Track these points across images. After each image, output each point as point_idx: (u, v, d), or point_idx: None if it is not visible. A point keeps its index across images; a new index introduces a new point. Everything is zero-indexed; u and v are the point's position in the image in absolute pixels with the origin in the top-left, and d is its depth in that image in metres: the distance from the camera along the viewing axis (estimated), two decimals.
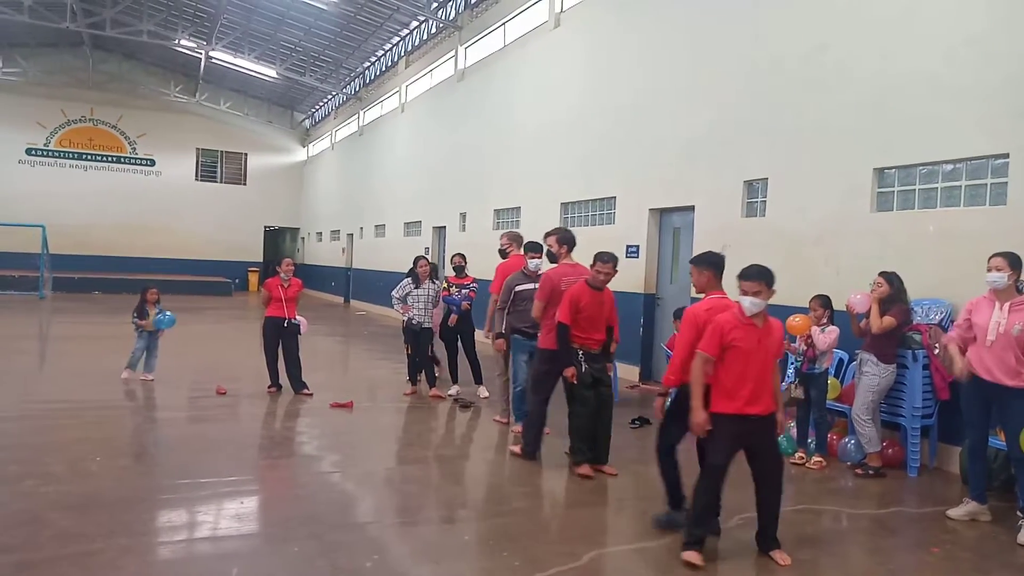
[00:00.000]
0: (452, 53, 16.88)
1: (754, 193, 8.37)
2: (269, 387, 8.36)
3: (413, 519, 4.85)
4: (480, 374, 8.69)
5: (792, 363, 6.50)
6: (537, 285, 6.20)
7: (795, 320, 6.08)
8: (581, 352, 5.61)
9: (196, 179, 29.77)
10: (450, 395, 8.48)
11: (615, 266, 5.61)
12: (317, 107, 28.74)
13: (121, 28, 21.90)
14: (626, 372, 9.70)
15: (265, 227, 31.14)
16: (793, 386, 6.26)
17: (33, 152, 27.20)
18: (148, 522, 4.47)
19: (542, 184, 12.73)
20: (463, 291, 8.60)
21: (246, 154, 30.49)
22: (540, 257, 6.73)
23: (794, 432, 6.41)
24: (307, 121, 30.54)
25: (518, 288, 6.66)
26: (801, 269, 7.34)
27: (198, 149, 29.73)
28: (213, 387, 8.29)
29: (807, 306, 6.30)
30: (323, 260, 26.94)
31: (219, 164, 30.25)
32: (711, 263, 4.40)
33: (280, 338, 8.30)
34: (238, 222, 29.80)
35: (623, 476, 5.73)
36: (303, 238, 30.93)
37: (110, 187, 27.95)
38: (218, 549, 4.13)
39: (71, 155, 27.72)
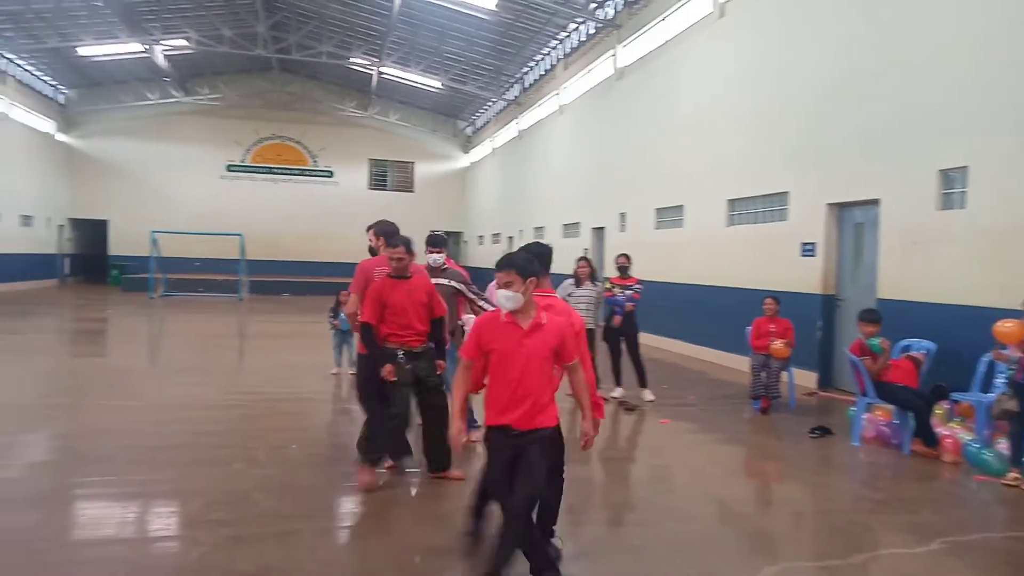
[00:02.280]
0: (610, 53, 16.78)
1: (950, 183, 7.57)
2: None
3: (578, 519, 4.85)
4: (645, 377, 8.55)
5: (1003, 372, 5.81)
6: (444, 280, 5.85)
7: (1006, 325, 5.44)
8: (401, 352, 4.99)
9: (368, 188, 31.89)
10: (614, 397, 8.41)
11: (409, 248, 5.02)
12: (478, 114, 29.71)
13: (304, 51, 23.97)
14: (803, 378, 9.13)
15: (430, 231, 32.64)
16: (1005, 397, 5.58)
17: (233, 168, 30.39)
18: (338, 507, 4.84)
19: (706, 181, 12.31)
20: (627, 292, 8.51)
21: (413, 163, 32.21)
22: (441, 252, 6.14)
23: (1004, 448, 5.72)
24: (468, 128, 31.67)
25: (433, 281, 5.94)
26: (1008, 267, 6.54)
27: (370, 159, 31.83)
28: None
29: (1020, 309, 5.60)
30: (485, 262, 27.79)
31: (388, 173, 32.23)
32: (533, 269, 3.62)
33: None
34: (407, 227, 30.84)
35: (803, 488, 5.41)
36: (465, 241, 32.10)
37: (295, 197, 30.61)
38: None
39: (263, 169, 30.70)
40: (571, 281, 8.60)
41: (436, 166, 32.49)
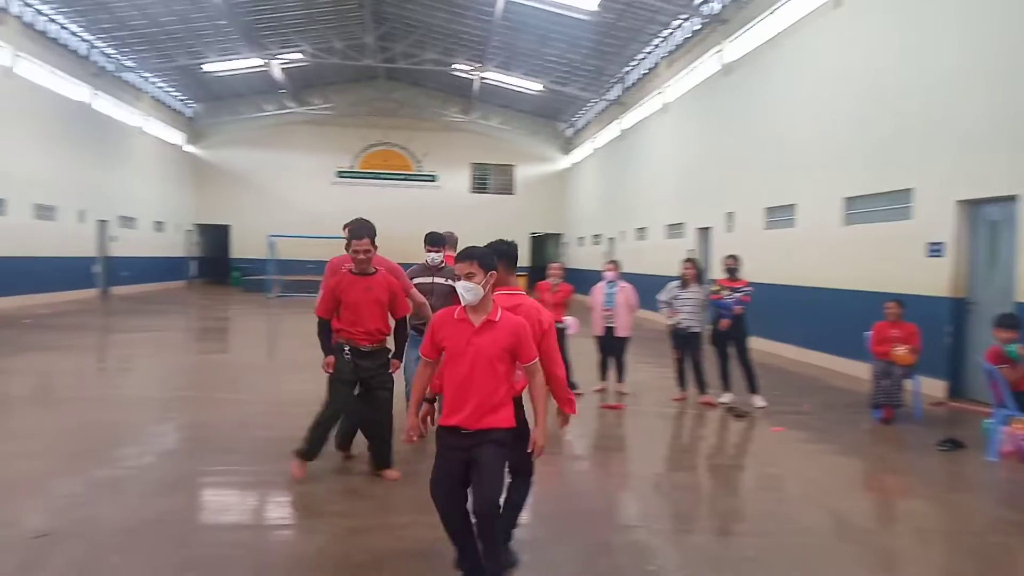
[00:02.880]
0: (716, 48, 16.32)
1: None
2: None
3: (686, 527, 4.76)
4: (756, 383, 8.26)
5: None
6: (442, 279, 5.77)
7: None
8: (348, 348, 4.92)
9: (470, 191, 32.47)
10: (722, 403, 8.17)
11: (373, 241, 4.91)
12: (578, 115, 29.64)
13: (409, 59, 24.69)
14: (931, 387, 8.55)
15: (531, 234, 32.87)
16: None
17: (343, 174, 31.69)
18: None
19: (820, 179, 11.76)
20: (735, 294, 8.24)
21: (514, 165, 32.53)
22: (439, 251, 6.18)
23: None
24: (569, 130, 31.64)
25: (416, 280, 6.10)
26: None
27: (472, 163, 32.40)
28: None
29: None
30: (585, 264, 27.68)
31: (490, 176, 32.72)
32: (498, 254, 3.53)
33: None
34: (507, 230, 31.48)
35: (931, 505, 5.06)
36: (566, 243, 32.08)
37: (400, 201, 31.55)
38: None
39: (370, 175, 31.85)
40: (676, 283, 8.43)
41: (536, 168, 32.67)
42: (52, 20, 19.74)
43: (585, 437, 7.13)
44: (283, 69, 26.78)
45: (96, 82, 22.26)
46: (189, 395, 8.40)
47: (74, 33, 20.88)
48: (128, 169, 24.85)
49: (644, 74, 21.71)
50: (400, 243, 31.00)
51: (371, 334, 4.95)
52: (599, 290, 8.78)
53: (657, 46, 20.28)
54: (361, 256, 4.89)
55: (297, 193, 31.02)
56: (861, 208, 10.85)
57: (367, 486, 5.00)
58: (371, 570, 3.71)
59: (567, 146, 32.24)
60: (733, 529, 4.77)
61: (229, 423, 6.91)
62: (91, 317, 16.81)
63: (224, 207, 31.39)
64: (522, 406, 3.63)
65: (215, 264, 32.31)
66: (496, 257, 3.44)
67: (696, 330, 8.32)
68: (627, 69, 22.81)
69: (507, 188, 32.76)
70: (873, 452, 6.78)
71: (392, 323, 5.12)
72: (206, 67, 24.93)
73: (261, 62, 25.07)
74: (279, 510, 4.74)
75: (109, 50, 22.60)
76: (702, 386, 8.33)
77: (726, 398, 8.26)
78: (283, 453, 5.77)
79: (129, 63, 23.57)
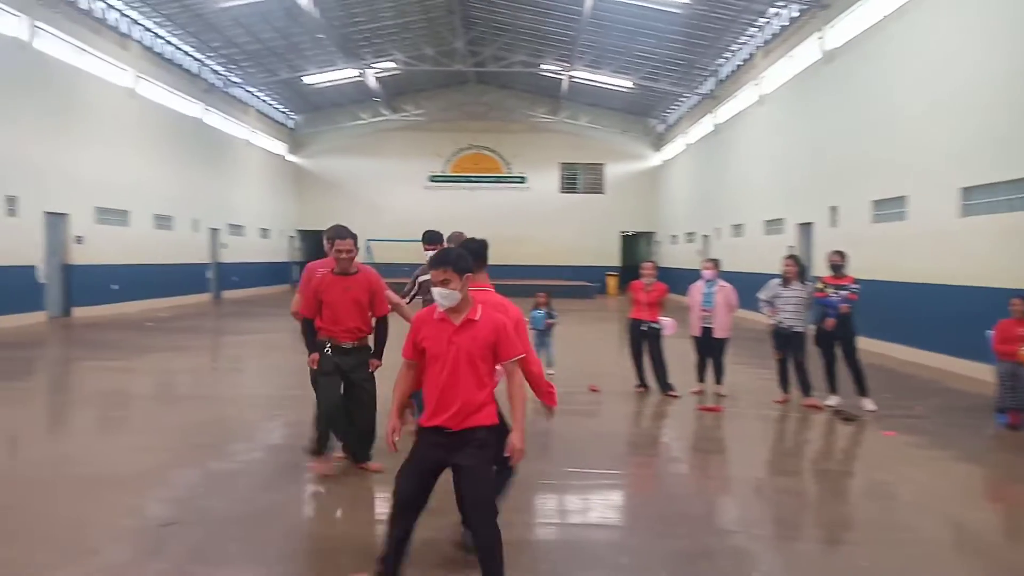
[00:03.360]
0: (817, 35, 15.64)
1: None
2: (636, 386, 8.65)
3: (790, 534, 4.58)
4: (864, 385, 7.86)
5: None
6: None
7: None
8: (329, 344, 5.08)
9: (559, 191, 32.46)
10: (828, 406, 7.82)
11: (356, 242, 5.04)
12: (669, 111, 29.10)
13: (499, 62, 24.96)
14: None
15: (622, 232, 32.52)
16: None
17: (435, 179, 32.37)
18: (546, 502, 4.98)
19: (933, 169, 11.06)
20: (841, 292, 7.86)
21: (603, 164, 32.28)
22: (436, 249, 5.76)
23: None
24: (660, 126, 31.11)
25: (422, 278, 6.20)
26: None
27: (561, 163, 32.38)
28: (584, 384, 8.86)
29: None
30: (678, 263, 27.14)
31: (579, 176, 32.59)
32: (466, 266, 3.31)
33: (643, 340, 8.54)
34: (597, 229, 31.71)
35: None
36: (658, 241, 31.56)
37: (491, 203, 31.92)
38: (607, 537, 4.41)
39: (462, 178, 32.38)
40: (777, 281, 8.13)
41: (626, 166, 32.30)
42: (168, 43, 21.13)
43: (682, 439, 7.00)
44: (377, 78, 27.63)
45: (207, 98, 23.68)
46: (296, 394, 8.76)
47: (187, 53, 22.28)
48: (236, 179, 26.30)
49: (739, 66, 21.08)
50: (493, 245, 31.43)
51: (351, 331, 5.14)
52: (697, 289, 8.59)
53: (752, 36, 19.64)
54: (344, 255, 5.05)
55: (391, 198, 31.91)
56: (981, 198, 10.13)
57: None
58: (473, 568, 3.74)
59: (658, 143, 31.70)
60: (842, 537, 4.56)
61: None
62: (205, 320, 17.87)
63: (323, 213, 32.54)
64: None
65: None
66: (472, 257, 3.44)
67: (799, 330, 7.99)
68: (720, 62, 22.21)
69: (597, 187, 32.55)
70: (997, 459, 6.32)
71: (373, 322, 5.28)
72: (306, 80, 26.05)
73: (357, 72, 25.97)
74: (382, 505, 4.88)
75: (218, 68, 23.99)
76: (806, 388, 8.00)
77: (833, 401, 7.89)
78: (385, 449, 5.95)
79: (236, 79, 24.94)
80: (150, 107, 20.33)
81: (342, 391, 5.20)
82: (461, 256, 3.26)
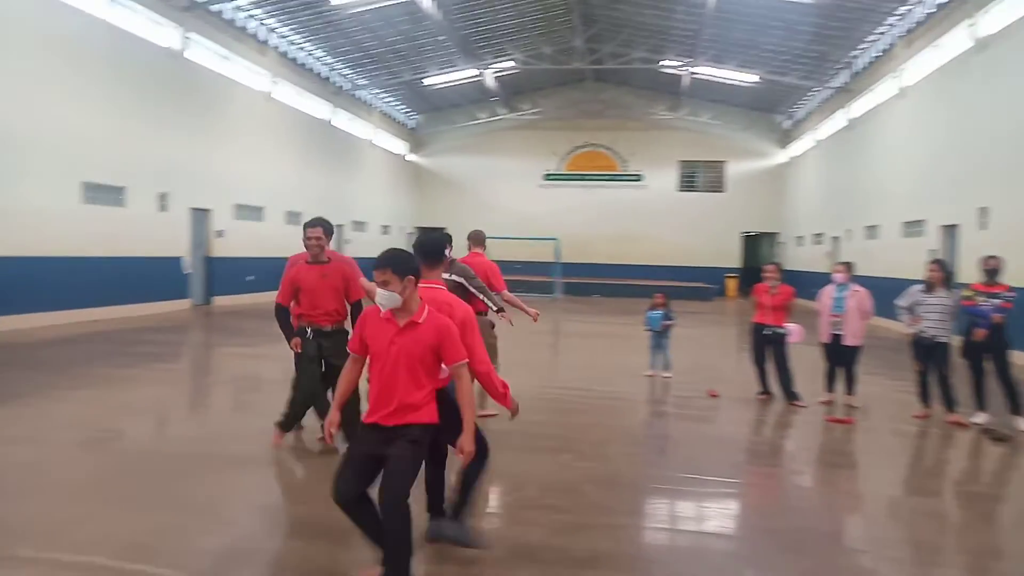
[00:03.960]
0: (967, 22, 14.39)
1: None
2: (759, 394, 8.28)
3: (930, 559, 4.20)
4: (1018, 401, 7.14)
5: None
6: (448, 275, 5.59)
7: None
8: (310, 329, 5.49)
9: (677, 190, 31.69)
10: (976, 424, 7.15)
11: (327, 231, 5.36)
12: (798, 106, 27.73)
13: (617, 59, 24.65)
14: None
15: (743, 233, 31.34)
16: None
17: (550, 177, 32.45)
18: (662, 507, 4.84)
19: None
20: (993, 300, 7.16)
21: (724, 162, 31.22)
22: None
23: None
24: (786, 122, 29.70)
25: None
26: None
27: (679, 161, 31.59)
28: (703, 388, 8.57)
29: None
30: (804, 265, 25.82)
31: (698, 174, 31.69)
32: (408, 267, 3.27)
33: (766, 345, 8.15)
34: (717, 229, 30.72)
35: None
36: (782, 243, 30.17)
37: (606, 202, 31.63)
38: (727, 547, 4.21)
39: (577, 177, 32.26)
40: (920, 287, 7.53)
41: (749, 164, 31.06)
42: (302, 48, 22.32)
43: (808, 450, 6.61)
44: (495, 78, 27.99)
45: (335, 100, 24.85)
46: None
47: (318, 58, 23.45)
48: (359, 178, 27.44)
49: (877, 56, 19.75)
50: (607, 244, 31.33)
51: (330, 314, 5.52)
52: (827, 293, 8.10)
53: (892, 25, 18.34)
54: (313, 242, 5.44)
55: (507, 196, 32.27)
56: None
57: (583, 484, 5.01)
58: (589, 568, 3.70)
59: (784, 139, 30.28)
60: (990, 567, 4.14)
61: None
62: None
63: (440, 210, 33.51)
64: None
65: None
66: (421, 254, 3.59)
67: (943, 340, 7.36)
68: (855, 53, 20.90)
69: (717, 185, 31.51)
70: None
71: (348, 308, 5.60)
72: (427, 81, 26.76)
73: (476, 72, 26.42)
74: (486, 499, 4.90)
75: (346, 71, 25.11)
76: (950, 403, 7.35)
77: (980, 418, 7.22)
78: (497, 444, 5.96)
79: (362, 81, 26.01)
80: (284, 110, 21.55)
81: (321, 374, 5.59)
82: (402, 259, 3.25)
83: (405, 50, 24.14)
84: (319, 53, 23.25)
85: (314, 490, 4.79)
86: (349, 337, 5.32)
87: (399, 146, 32.09)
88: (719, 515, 4.78)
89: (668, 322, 9.34)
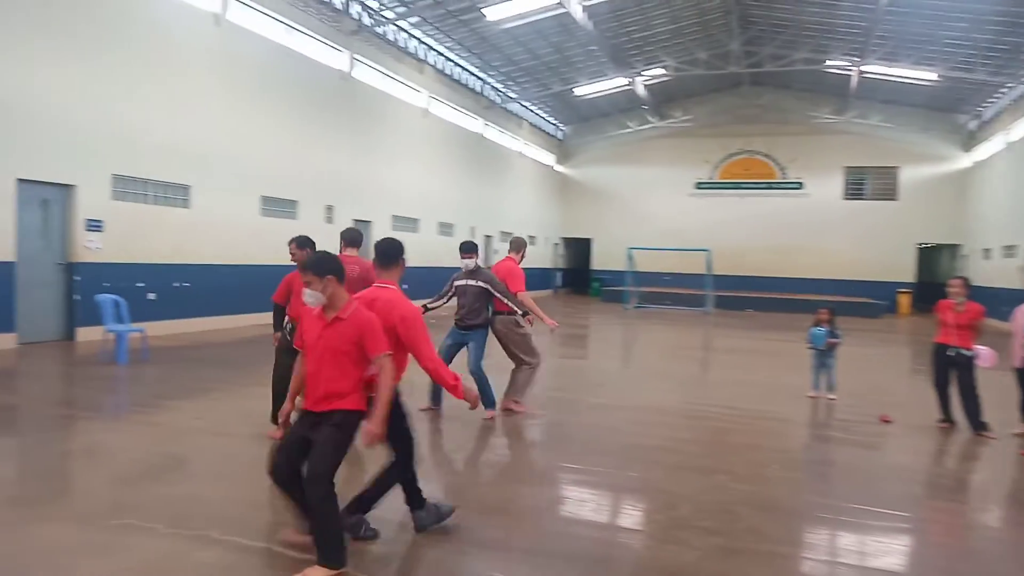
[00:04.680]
0: None
1: None
2: (939, 421, 7.47)
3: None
4: None
5: None
6: (473, 281, 7.00)
7: None
8: (291, 325, 5.90)
9: (842, 198, 29.60)
10: None
11: (299, 245, 5.90)
12: (985, 105, 25.01)
13: (777, 62, 23.47)
14: None
15: (918, 244, 28.72)
16: None
17: (701, 186, 31.45)
18: (825, 538, 4.46)
19: None
20: None
21: (897, 168, 28.78)
22: (471, 257, 7.14)
23: None
24: (972, 123, 26.89)
25: (458, 282, 7.18)
26: None
27: (845, 168, 29.51)
28: (873, 413, 7.87)
29: None
30: (992, 281, 23.17)
31: (867, 181, 29.42)
32: (327, 268, 3.64)
33: (950, 368, 7.33)
34: (888, 240, 28.34)
35: None
36: (965, 255, 27.30)
37: (761, 212, 30.16)
38: None
39: (730, 185, 31.04)
40: None
41: (926, 169, 28.41)
42: (456, 64, 23.19)
43: (998, 487, 5.84)
44: (646, 85, 27.60)
45: (487, 114, 25.57)
46: (555, 395, 9.00)
47: (472, 73, 24.26)
48: (508, 189, 28.01)
49: None
50: (762, 256, 29.89)
51: None
52: (1022, 313, 7.18)
53: None
54: (295, 256, 6.03)
55: (655, 206, 31.66)
56: None
57: (738, 507, 4.72)
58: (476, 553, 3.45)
59: (969, 142, 27.42)
60: None
61: (592, 425, 7.20)
62: None
63: (587, 221, 33.50)
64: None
65: (577, 275, 34.62)
66: (377, 258, 4.08)
67: None
68: None
69: (888, 193, 29.09)
70: None
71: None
72: (576, 91, 26.86)
73: (626, 81, 26.19)
74: (637, 515, 4.73)
75: (498, 85, 25.78)
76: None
77: None
78: (648, 460, 5.81)
79: (513, 95, 26.58)
80: (439, 125, 22.45)
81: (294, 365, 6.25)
82: (321, 261, 3.61)
83: (556, 62, 24.40)
84: (472, 69, 24.05)
85: (458, 496, 4.86)
86: None
87: (547, 157, 32.45)
88: (891, 551, 4.30)
89: (833, 340, 8.68)
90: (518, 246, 7.79)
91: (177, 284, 12.72)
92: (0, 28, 9.83)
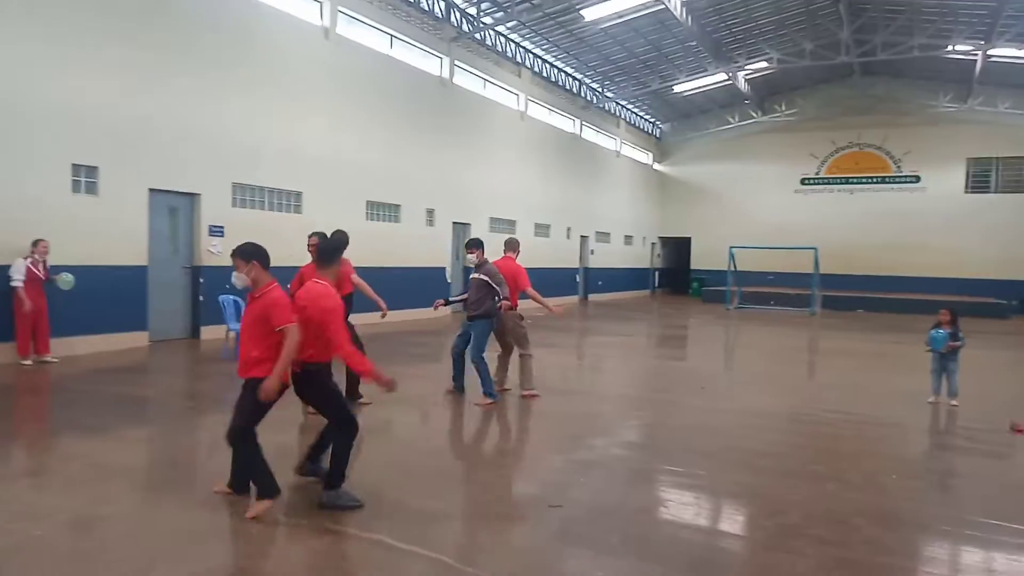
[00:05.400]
0: None
1: None
2: None
3: None
4: None
5: None
6: (478, 275, 7.63)
7: None
8: None
9: (965, 191, 27.62)
10: None
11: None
12: None
13: (891, 49, 22.18)
14: None
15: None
16: None
17: (807, 181, 30.15)
18: (950, 553, 4.20)
19: None
20: None
21: None
22: (473, 253, 7.78)
23: None
24: None
25: (471, 277, 7.80)
26: None
27: (968, 159, 27.52)
28: (1001, 421, 7.31)
29: None
30: None
31: (993, 172, 27.31)
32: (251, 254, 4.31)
33: None
34: (1015, 236, 26.22)
35: None
36: None
37: (873, 207, 28.60)
38: None
39: (838, 180, 29.58)
40: None
41: None
42: (553, 66, 23.26)
43: None
44: (748, 79, 26.75)
45: (583, 114, 25.50)
46: (655, 396, 8.90)
47: (568, 74, 24.27)
48: (604, 189, 27.81)
49: None
50: (874, 253, 28.34)
51: None
52: None
53: None
54: (311, 247, 6.44)
55: (757, 203, 30.63)
56: None
57: (853, 517, 4.51)
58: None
59: None
60: None
61: (694, 427, 7.06)
62: (573, 321, 19.18)
63: (685, 220, 32.78)
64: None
65: (675, 275, 33.95)
66: (317, 255, 4.68)
67: None
68: None
69: (1017, 185, 26.90)
70: None
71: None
72: (676, 88, 26.36)
73: (726, 76, 25.47)
74: (742, 520, 4.61)
75: (594, 85, 25.66)
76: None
77: None
78: (754, 464, 5.65)
79: (609, 94, 26.38)
80: (536, 126, 22.58)
81: None
82: (246, 249, 4.27)
83: (653, 59, 24.06)
84: (569, 70, 24.06)
85: (562, 490, 4.89)
86: None
87: (644, 156, 32.02)
88: (1023, 571, 4.01)
89: (955, 343, 8.13)
90: (513, 246, 8.41)
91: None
92: (137, 55, 10.68)
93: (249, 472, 4.35)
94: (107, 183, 10.39)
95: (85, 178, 10.16)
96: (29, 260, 9.07)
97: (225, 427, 4.37)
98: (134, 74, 10.66)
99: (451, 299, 8.65)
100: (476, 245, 7.87)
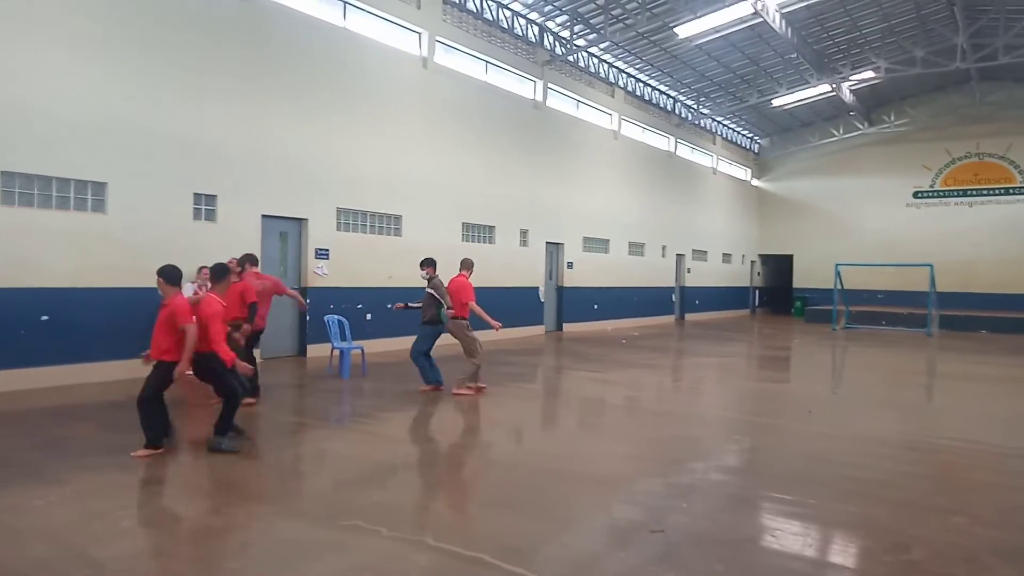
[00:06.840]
0: None
1: None
2: None
3: None
4: None
5: None
6: (428, 289, 9.35)
7: None
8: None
9: None
10: None
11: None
12: None
13: (1014, 52, 20.76)
14: None
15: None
16: None
17: (919, 195, 28.49)
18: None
19: None
20: None
21: None
22: (424, 270, 9.42)
23: None
24: None
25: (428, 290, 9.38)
26: None
27: None
28: None
29: None
30: None
31: None
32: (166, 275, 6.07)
33: None
34: None
35: None
36: None
37: (995, 221, 26.71)
38: None
39: (955, 193, 27.80)
40: None
41: None
42: (646, 84, 23.11)
43: None
44: (853, 90, 25.67)
45: (677, 132, 25.15)
46: (757, 420, 8.55)
47: (662, 92, 24.03)
48: (701, 207, 27.24)
49: None
50: (996, 270, 26.39)
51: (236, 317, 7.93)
52: None
53: None
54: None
55: (864, 219, 29.20)
56: None
57: (986, 555, 4.17)
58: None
59: None
60: None
61: (801, 453, 6.74)
62: (669, 340, 18.81)
63: (786, 237, 31.61)
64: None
65: (777, 294, 32.74)
66: (213, 275, 6.71)
67: None
68: None
69: None
70: None
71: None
72: (775, 102, 25.61)
73: (830, 87, 24.53)
74: (859, 554, 4.33)
75: (689, 102, 25.29)
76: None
77: None
78: (868, 494, 5.34)
79: (705, 111, 25.90)
80: (629, 145, 22.45)
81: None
82: (166, 272, 6.01)
83: (751, 73, 23.50)
84: (663, 88, 23.83)
85: (661, 514, 4.77)
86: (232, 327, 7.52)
87: (742, 172, 31.20)
88: None
89: None
90: (468, 265, 9.49)
91: (390, 306, 13.78)
92: (246, 87, 11.39)
93: (143, 424, 5.91)
94: (224, 210, 11.09)
95: (205, 206, 10.89)
96: (196, 284, 10.10)
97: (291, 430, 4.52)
98: (246, 108, 11.37)
99: (411, 304, 9.78)
100: (429, 264, 9.37)
